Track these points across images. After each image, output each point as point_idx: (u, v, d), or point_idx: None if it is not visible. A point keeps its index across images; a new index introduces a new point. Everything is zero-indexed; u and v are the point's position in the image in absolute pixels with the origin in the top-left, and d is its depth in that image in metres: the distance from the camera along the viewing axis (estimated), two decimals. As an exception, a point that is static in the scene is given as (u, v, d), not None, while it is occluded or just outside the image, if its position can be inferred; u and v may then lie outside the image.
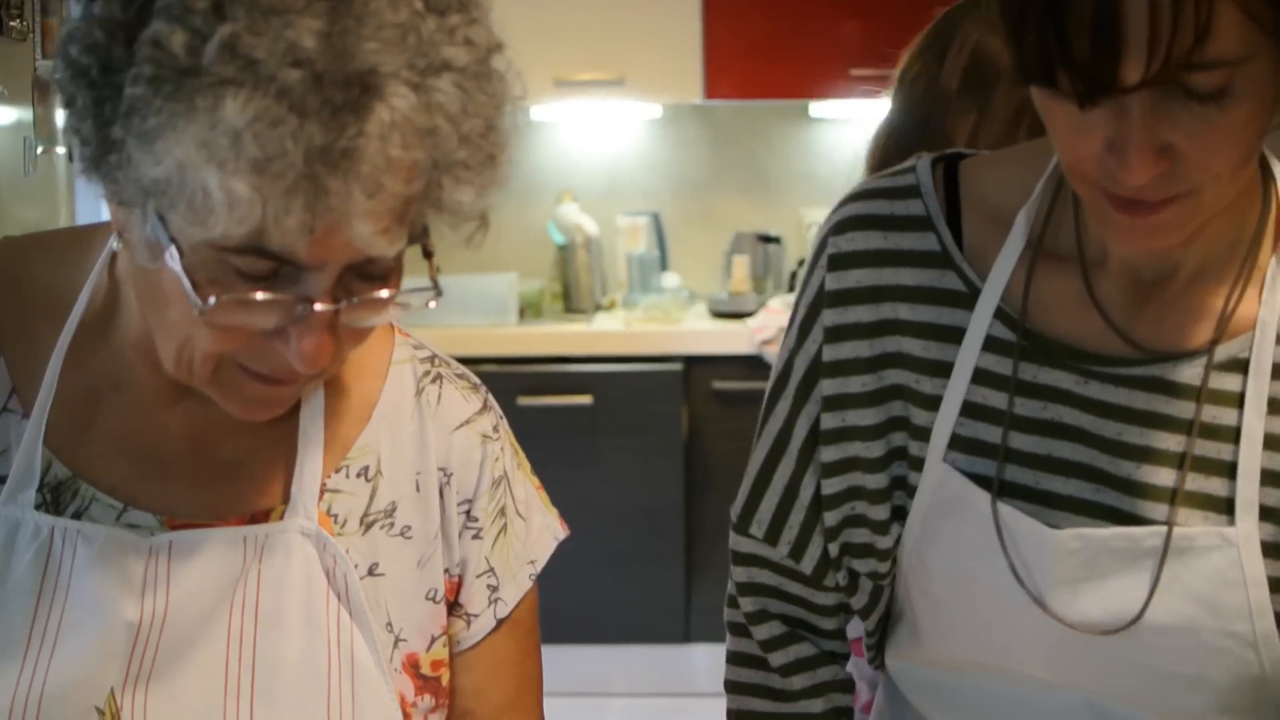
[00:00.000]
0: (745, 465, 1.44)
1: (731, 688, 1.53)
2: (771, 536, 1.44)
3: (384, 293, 1.10)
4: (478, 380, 1.36)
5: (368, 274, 1.09)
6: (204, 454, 1.23)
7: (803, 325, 1.39)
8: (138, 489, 1.21)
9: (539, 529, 1.36)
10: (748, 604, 1.48)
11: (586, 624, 4.64)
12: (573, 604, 4.57)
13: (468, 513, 1.30)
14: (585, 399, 4.58)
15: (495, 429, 1.33)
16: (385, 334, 1.32)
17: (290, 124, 0.97)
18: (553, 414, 4.56)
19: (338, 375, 1.26)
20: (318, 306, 1.06)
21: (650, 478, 4.59)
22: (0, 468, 1.20)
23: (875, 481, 1.37)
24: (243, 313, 1.06)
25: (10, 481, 1.19)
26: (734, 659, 1.52)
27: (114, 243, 1.16)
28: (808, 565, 1.43)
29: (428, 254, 1.13)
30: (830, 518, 1.40)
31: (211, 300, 1.05)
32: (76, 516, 1.19)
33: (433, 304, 1.13)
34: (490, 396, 1.36)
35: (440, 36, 1.04)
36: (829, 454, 1.39)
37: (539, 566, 1.35)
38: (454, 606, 1.31)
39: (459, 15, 1.06)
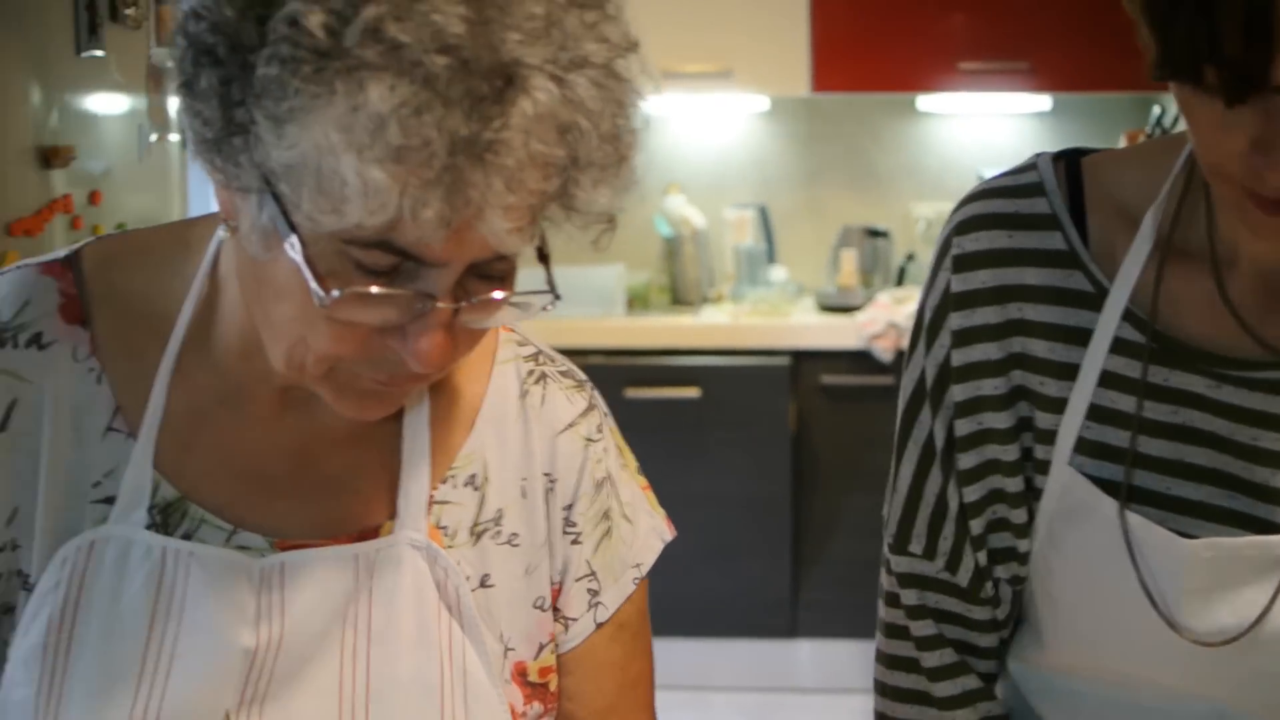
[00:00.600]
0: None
1: None
2: (929, 551, 1.39)
3: (501, 294, 1.07)
4: (583, 377, 1.33)
5: (487, 274, 1.06)
6: (310, 471, 1.21)
7: (930, 329, 1.36)
8: (245, 509, 1.19)
9: (645, 531, 1.32)
10: (922, 628, 1.41)
11: (692, 617, 4.63)
12: (678, 597, 4.56)
13: (566, 518, 1.28)
14: (693, 392, 4.57)
15: (599, 429, 1.30)
16: (490, 332, 1.30)
17: (436, 112, 0.94)
18: (660, 407, 4.56)
19: (441, 379, 1.22)
20: (439, 304, 1.04)
21: (758, 471, 4.56)
22: (108, 488, 1.17)
23: (1014, 484, 1.35)
24: (362, 307, 1.03)
25: (120, 501, 1.16)
26: (890, 692, 1.45)
27: (221, 232, 1.14)
28: (964, 578, 1.39)
29: (544, 257, 1.11)
30: (975, 525, 1.37)
31: (335, 293, 1.02)
32: (186, 538, 1.17)
33: (549, 307, 1.10)
34: (596, 394, 1.33)
35: (581, 31, 1.02)
36: (966, 460, 1.36)
37: (644, 570, 1.32)
38: (553, 611, 1.28)
39: (596, 11, 1.04)
